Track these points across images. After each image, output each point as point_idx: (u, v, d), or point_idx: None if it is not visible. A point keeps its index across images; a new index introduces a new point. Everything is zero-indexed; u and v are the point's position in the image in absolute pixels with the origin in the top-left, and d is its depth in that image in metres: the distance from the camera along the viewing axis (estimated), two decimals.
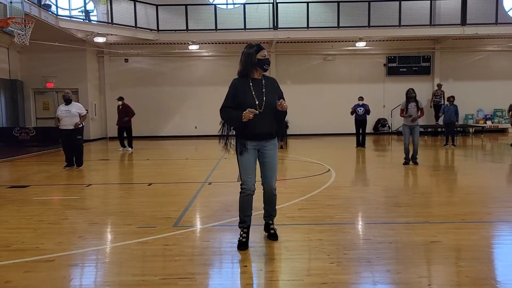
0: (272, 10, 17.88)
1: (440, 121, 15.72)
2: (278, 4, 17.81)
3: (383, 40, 19.17)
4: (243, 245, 4.04)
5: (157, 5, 17.60)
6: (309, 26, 17.60)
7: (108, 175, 9.73)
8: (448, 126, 13.68)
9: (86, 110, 10.39)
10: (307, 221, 5.04)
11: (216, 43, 19.09)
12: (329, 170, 8.95)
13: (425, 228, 4.63)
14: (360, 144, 13.87)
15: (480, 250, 3.96)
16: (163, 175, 9.17)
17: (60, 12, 16.07)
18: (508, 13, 19.19)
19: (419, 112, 9.51)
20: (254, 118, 3.81)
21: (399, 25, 17.49)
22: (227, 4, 19.53)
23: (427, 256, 3.85)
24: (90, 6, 17.70)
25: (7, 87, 17.00)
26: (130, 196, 6.95)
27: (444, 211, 5.43)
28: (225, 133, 4.12)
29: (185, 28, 17.63)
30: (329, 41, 19.11)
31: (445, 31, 18.01)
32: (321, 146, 15.54)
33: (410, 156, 9.66)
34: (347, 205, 5.88)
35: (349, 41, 18.87)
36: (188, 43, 18.35)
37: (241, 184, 4.03)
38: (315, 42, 19.20)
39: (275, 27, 17.73)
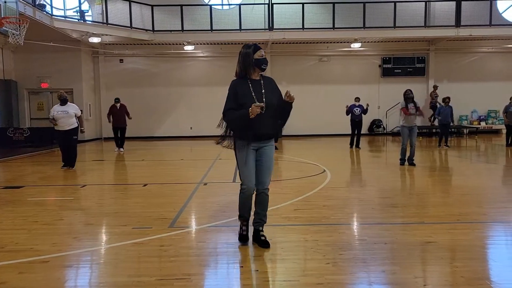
0: (267, 10, 17.88)
1: (436, 122, 15.79)
2: (274, 5, 17.84)
3: (378, 41, 19.24)
4: (244, 238, 4.06)
5: (152, 6, 17.56)
6: (305, 27, 17.66)
7: (103, 175, 9.70)
8: (443, 127, 13.78)
9: (81, 110, 10.37)
10: (303, 222, 5.04)
11: (211, 44, 19.07)
12: (324, 170, 8.96)
13: (420, 229, 4.65)
14: (355, 145, 13.90)
15: (475, 250, 3.98)
16: (159, 175, 9.14)
17: (55, 12, 15.96)
18: (502, 14, 19.31)
19: (418, 112, 9.55)
20: (257, 119, 3.75)
21: (394, 27, 17.56)
22: (222, 4, 19.53)
23: (423, 257, 3.87)
24: (85, 6, 17.62)
25: (1, 88, 16.87)
26: (125, 197, 6.93)
27: (439, 212, 5.45)
28: (229, 134, 4.05)
29: (180, 28, 17.60)
30: (324, 42, 19.17)
31: (439, 32, 18.12)
32: (316, 146, 15.56)
33: (406, 157, 9.69)
34: (342, 205, 5.89)
35: (344, 42, 18.94)
36: (184, 44, 18.33)
37: (241, 184, 4.02)
38: (310, 43, 19.24)
39: (271, 27, 17.75)
